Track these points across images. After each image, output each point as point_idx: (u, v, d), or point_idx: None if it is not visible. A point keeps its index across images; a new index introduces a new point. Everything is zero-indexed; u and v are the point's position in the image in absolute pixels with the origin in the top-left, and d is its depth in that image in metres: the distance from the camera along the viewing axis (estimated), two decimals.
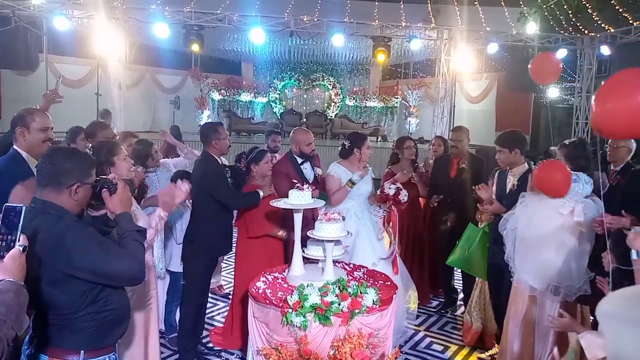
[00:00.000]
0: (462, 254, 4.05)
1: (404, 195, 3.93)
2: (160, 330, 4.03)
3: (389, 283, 3.23)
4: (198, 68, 15.85)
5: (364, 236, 3.85)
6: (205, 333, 4.14)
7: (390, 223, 4.09)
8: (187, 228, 3.82)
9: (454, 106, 12.43)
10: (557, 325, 2.52)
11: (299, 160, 4.21)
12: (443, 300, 5.06)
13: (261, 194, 3.73)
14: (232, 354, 3.94)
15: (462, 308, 4.91)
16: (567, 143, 3.26)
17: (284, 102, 17.40)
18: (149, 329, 3.06)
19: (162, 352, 3.89)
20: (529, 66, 3.67)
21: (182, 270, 3.91)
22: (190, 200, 3.96)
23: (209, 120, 14.66)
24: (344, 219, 3.17)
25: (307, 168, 4.23)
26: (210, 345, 4.07)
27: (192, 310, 3.75)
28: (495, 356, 3.86)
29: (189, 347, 3.76)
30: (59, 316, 1.91)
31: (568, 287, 2.74)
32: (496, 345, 3.92)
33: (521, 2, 10.99)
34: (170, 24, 10.17)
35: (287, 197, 3.42)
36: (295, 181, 3.52)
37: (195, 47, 10.60)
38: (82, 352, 1.94)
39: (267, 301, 2.88)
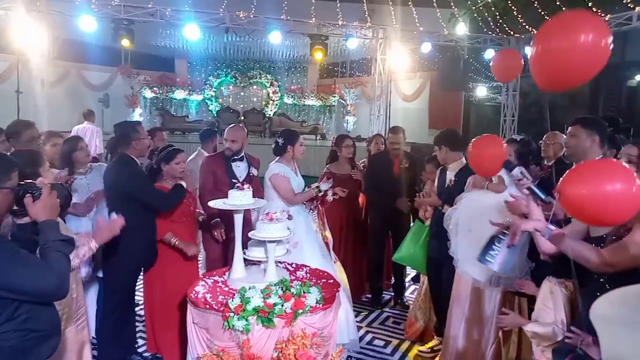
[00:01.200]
0: (407, 251, 4.14)
1: (331, 195, 4.03)
2: (92, 342, 3.81)
3: (332, 281, 3.22)
4: (128, 64, 15.22)
5: (310, 232, 3.91)
6: (141, 342, 3.97)
7: (319, 221, 4.22)
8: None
9: (390, 105, 12.70)
10: (504, 323, 2.61)
11: (232, 158, 4.10)
12: (391, 295, 5.17)
13: (184, 184, 3.59)
14: None
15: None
16: (518, 139, 3.38)
17: (220, 100, 17.09)
18: (83, 344, 2.88)
19: None
20: (491, 63, 3.77)
21: None
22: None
23: (141, 119, 14.14)
24: (290, 217, 3.13)
25: (240, 167, 4.12)
26: (147, 354, 3.89)
27: (112, 321, 3.49)
28: (434, 348, 3.96)
29: (112, 359, 3.54)
30: None
31: (509, 278, 2.85)
32: (435, 337, 4.02)
33: (452, 4, 11.39)
34: (97, 18, 9.67)
35: (210, 195, 3.43)
36: (235, 181, 3.44)
37: (125, 43, 10.15)
38: None
39: (207, 306, 2.78)
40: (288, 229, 3.08)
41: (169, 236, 3.60)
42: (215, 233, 3.93)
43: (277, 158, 3.99)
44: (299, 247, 3.66)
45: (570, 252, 1.88)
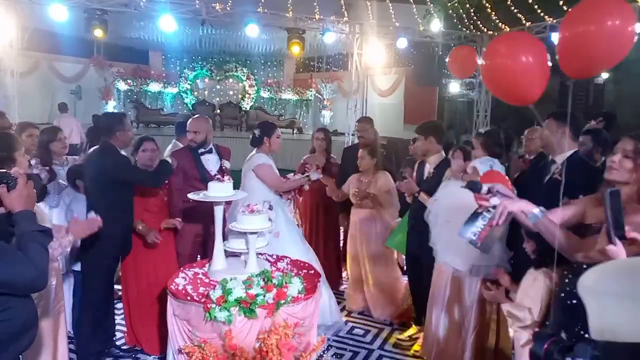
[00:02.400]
0: (395, 236, 4.19)
1: (307, 185, 4.15)
2: (69, 335, 3.77)
3: (312, 271, 3.26)
4: (101, 56, 14.89)
5: (290, 222, 3.97)
6: (119, 335, 3.94)
7: (297, 210, 4.35)
8: None
9: (366, 100, 12.76)
10: (486, 296, 2.68)
11: (200, 152, 3.94)
12: None
13: (170, 160, 3.63)
14: (149, 355, 3.76)
15: None
16: (483, 132, 3.47)
17: (196, 93, 16.90)
18: (58, 337, 2.85)
19: (72, 359, 3.65)
20: (447, 59, 3.86)
21: None
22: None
23: (115, 111, 13.87)
24: (271, 207, 3.16)
25: (209, 159, 3.95)
26: (126, 346, 3.86)
27: (91, 314, 3.47)
28: (413, 336, 4.05)
29: (91, 353, 3.51)
30: None
31: (489, 267, 2.93)
32: (413, 326, 4.11)
33: (427, 0, 11.50)
34: (69, 7, 9.42)
35: (179, 193, 3.45)
36: (215, 173, 3.44)
37: (98, 33, 9.87)
38: None
39: (189, 298, 2.79)
40: (270, 219, 3.11)
41: (136, 223, 3.58)
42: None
43: (256, 149, 3.99)
44: (280, 236, 3.70)
45: (548, 235, 1.86)
